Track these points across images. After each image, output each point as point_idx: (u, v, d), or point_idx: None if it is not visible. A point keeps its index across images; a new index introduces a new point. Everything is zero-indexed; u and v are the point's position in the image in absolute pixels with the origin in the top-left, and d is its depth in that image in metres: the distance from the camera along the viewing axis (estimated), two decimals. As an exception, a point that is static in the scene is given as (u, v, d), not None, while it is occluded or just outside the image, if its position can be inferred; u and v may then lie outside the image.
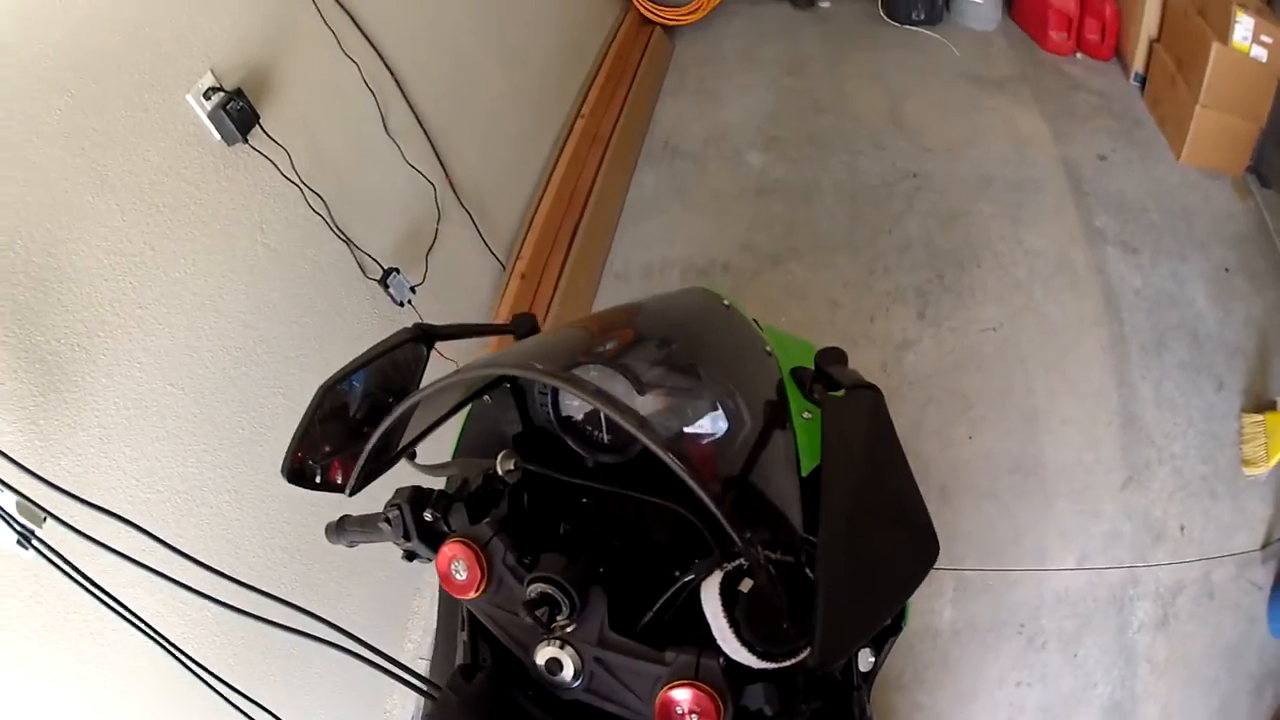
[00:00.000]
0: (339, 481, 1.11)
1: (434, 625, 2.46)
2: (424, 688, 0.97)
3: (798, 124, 3.73)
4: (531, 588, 0.92)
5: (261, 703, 1.18)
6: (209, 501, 1.82)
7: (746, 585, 0.84)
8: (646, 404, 1.00)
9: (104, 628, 1.55)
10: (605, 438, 1.15)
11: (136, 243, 1.68)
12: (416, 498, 1.09)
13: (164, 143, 1.74)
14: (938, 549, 0.85)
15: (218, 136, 1.87)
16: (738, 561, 0.86)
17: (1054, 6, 3.59)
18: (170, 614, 1.55)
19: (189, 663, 1.16)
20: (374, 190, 2.40)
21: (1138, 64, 3.48)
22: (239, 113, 1.88)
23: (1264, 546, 2.19)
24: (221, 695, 1.16)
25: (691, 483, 0.78)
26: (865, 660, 0.97)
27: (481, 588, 0.97)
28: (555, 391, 1.16)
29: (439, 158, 2.71)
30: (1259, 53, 2.89)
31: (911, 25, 3.91)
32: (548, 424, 1.18)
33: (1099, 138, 3.35)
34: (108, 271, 1.61)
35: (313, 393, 1.09)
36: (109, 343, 1.61)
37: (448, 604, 1.19)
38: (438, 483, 1.20)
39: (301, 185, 2.07)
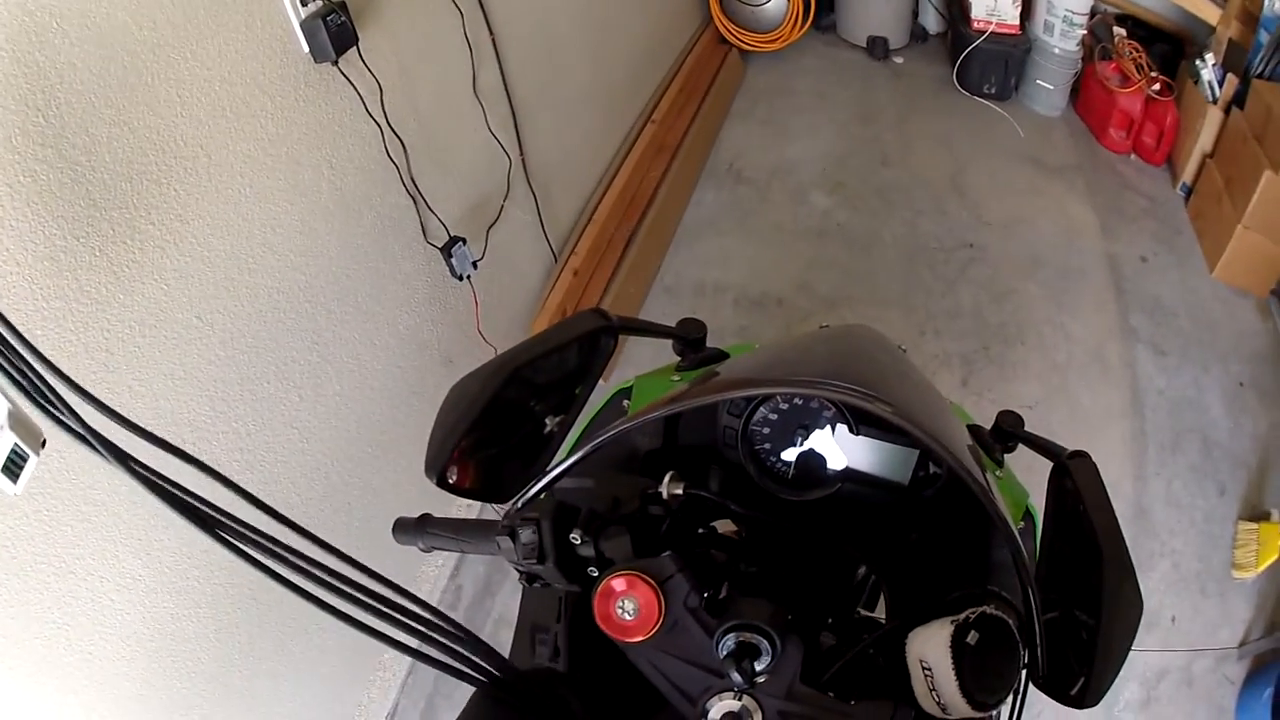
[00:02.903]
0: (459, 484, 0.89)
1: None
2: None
3: (864, 173, 3.52)
4: (732, 636, 0.77)
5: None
6: (216, 459, 1.40)
7: (973, 638, 0.78)
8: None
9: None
10: (790, 473, 1.05)
11: (191, 144, 1.29)
12: (561, 514, 0.83)
13: (247, 41, 1.37)
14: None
15: (306, 49, 1.51)
16: (966, 614, 0.79)
17: (1120, 106, 3.44)
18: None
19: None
20: (452, 150, 2.05)
21: (1186, 175, 3.35)
22: (338, 28, 1.50)
23: (1241, 645, 2.21)
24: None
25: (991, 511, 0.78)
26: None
27: (654, 630, 0.78)
28: (749, 416, 1.02)
29: (518, 132, 2.35)
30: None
31: (981, 97, 3.78)
32: (724, 449, 1.04)
33: (1142, 239, 3.25)
34: (153, 170, 1.23)
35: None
36: (136, 254, 1.22)
37: (535, 618, 0.92)
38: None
39: (384, 126, 1.68)
